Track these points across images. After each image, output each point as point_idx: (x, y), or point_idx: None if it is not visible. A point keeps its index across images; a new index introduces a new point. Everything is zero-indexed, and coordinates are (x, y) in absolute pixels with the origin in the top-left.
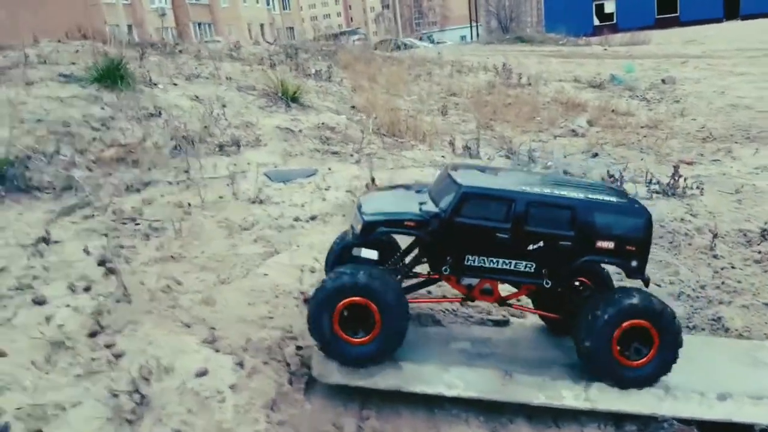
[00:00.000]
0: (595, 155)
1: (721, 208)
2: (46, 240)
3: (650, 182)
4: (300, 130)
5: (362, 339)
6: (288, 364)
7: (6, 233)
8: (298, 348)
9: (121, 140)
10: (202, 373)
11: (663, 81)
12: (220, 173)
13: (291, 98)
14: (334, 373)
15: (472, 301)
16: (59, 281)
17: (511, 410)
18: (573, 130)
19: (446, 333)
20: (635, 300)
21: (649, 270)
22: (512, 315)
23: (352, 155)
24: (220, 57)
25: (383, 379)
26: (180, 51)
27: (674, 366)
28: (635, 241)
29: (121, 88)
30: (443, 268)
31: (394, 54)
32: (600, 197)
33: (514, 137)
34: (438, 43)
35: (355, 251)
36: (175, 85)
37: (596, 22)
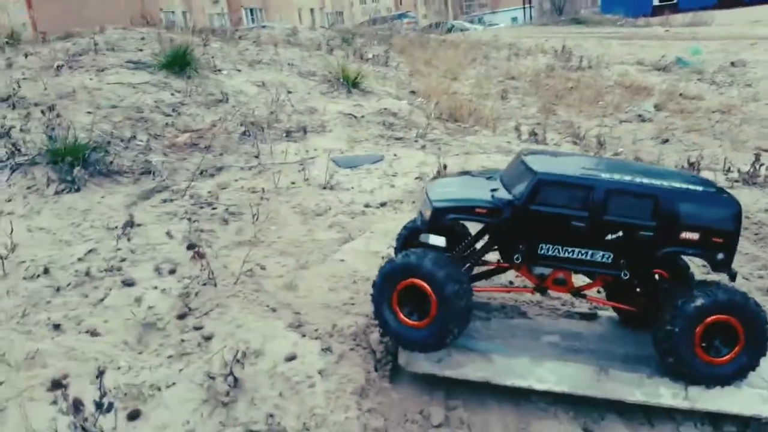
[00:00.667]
0: (666, 141)
1: None
2: (131, 224)
3: (728, 170)
4: (363, 116)
5: (417, 323)
6: (373, 351)
7: (91, 216)
8: (383, 335)
9: (192, 126)
10: (292, 358)
11: (732, 64)
12: (289, 159)
13: (352, 84)
14: (421, 362)
15: (544, 292)
16: (146, 263)
17: (602, 406)
18: (640, 115)
19: (534, 325)
20: (719, 294)
21: (737, 263)
22: (597, 308)
23: (416, 141)
24: (278, 42)
25: (473, 371)
26: (240, 37)
27: None
28: (723, 233)
29: (188, 74)
30: (515, 257)
31: (448, 37)
32: (685, 186)
33: (579, 122)
34: (490, 25)
35: (422, 237)
36: (239, 71)
37: (656, 2)
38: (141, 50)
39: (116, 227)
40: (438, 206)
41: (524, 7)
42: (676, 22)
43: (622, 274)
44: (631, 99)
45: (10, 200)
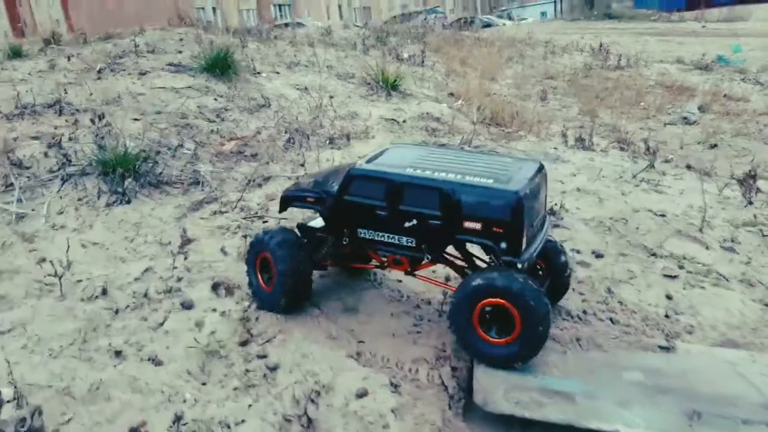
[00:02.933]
0: (714, 146)
1: None
2: (187, 240)
3: None
4: (404, 121)
5: (268, 286)
6: (446, 387)
7: (143, 229)
8: (453, 369)
9: (236, 132)
10: (363, 394)
11: None
12: None
13: (391, 86)
14: (500, 402)
15: (383, 269)
16: (202, 283)
17: None
18: (684, 118)
19: (612, 360)
20: (492, 279)
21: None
22: (671, 337)
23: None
24: (314, 42)
25: (554, 412)
26: (275, 37)
27: None
28: (501, 224)
29: (229, 77)
30: (343, 239)
31: (482, 35)
32: (472, 179)
33: (623, 126)
34: (520, 20)
35: (306, 221)
36: (278, 73)
37: None
38: (180, 52)
39: (169, 243)
40: (283, 195)
41: (554, 1)
42: (711, 17)
43: (426, 258)
44: (674, 100)
45: (61, 212)
